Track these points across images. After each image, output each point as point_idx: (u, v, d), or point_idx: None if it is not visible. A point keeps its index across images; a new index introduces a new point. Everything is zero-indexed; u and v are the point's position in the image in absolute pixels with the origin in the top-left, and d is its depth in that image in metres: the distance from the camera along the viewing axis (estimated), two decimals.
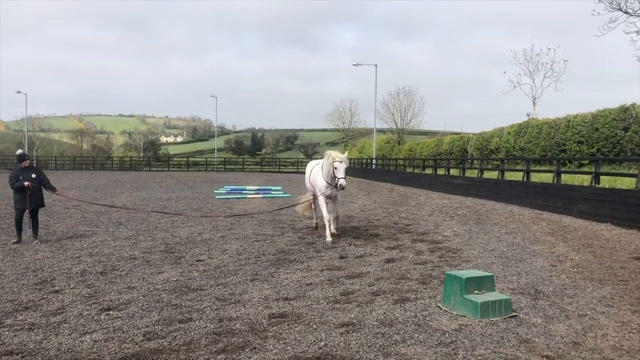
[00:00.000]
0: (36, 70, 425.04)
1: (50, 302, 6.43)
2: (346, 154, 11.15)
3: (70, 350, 4.83)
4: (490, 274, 6.44)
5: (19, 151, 11.42)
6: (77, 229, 12.48)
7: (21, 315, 5.90)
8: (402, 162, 40.00)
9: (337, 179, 10.47)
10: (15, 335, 5.21)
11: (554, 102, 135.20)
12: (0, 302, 6.43)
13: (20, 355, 4.71)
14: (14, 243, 10.46)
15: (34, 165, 11.72)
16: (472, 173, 26.50)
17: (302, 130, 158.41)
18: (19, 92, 61.90)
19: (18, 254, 9.44)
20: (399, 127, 65.84)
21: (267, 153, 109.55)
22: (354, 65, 47.83)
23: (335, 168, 10.53)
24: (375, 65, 46.65)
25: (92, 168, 61.48)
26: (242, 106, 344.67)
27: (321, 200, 11.08)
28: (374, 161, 46.44)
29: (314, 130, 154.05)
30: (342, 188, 10.53)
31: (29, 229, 10.91)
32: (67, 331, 5.36)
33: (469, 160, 32.58)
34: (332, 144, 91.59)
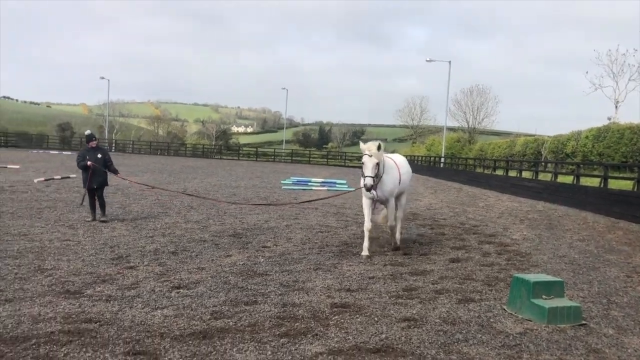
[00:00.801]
0: (119, 59, 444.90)
1: (125, 277, 6.78)
2: (380, 146, 8.57)
3: (142, 323, 5.09)
4: (560, 279, 6.24)
5: (87, 132, 11.84)
6: (151, 210, 13.04)
7: (99, 287, 6.26)
8: (472, 162, 39.08)
9: (362, 177, 8.48)
10: (94, 305, 5.55)
11: (638, 107, 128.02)
12: (81, 273, 6.84)
13: (98, 323, 5.01)
14: (89, 221, 11.00)
15: (102, 146, 12.11)
16: (545, 176, 25.58)
17: (369, 125, 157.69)
18: (102, 77, 65.12)
19: (97, 230, 9.99)
20: (470, 125, 64.41)
21: (333, 147, 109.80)
22: (427, 61, 47.29)
23: (363, 163, 8.54)
24: (449, 62, 45.90)
25: (167, 153, 63.81)
26: (310, 99, 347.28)
27: (364, 204, 9.03)
28: (442, 159, 45.67)
29: (381, 125, 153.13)
30: (368, 190, 8.42)
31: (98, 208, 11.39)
32: (140, 305, 5.65)
33: (543, 163, 31.44)
34: (400, 140, 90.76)
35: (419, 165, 44.48)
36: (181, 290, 6.28)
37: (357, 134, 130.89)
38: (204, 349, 4.52)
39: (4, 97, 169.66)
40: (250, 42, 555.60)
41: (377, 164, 8.41)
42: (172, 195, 16.41)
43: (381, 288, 6.74)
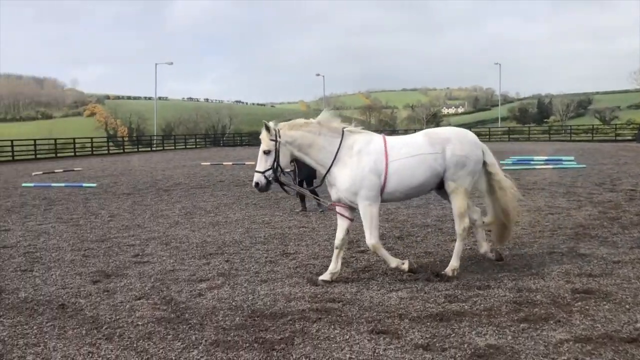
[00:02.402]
0: (330, 54, 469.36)
1: (358, 261, 7.22)
2: (268, 127, 6.08)
3: (380, 304, 5.39)
4: None
5: None
6: None
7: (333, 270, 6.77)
8: None
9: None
10: (335, 286, 6.03)
11: None
12: (319, 257, 7.48)
13: (341, 303, 5.45)
14: (299, 211, 11.72)
15: None
16: None
17: (596, 93, 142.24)
18: (317, 74, 69.61)
19: (327, 218, 10.76)
20: None
21: (555, 120, 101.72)
22: None
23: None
24: None
25: None
26: (526, 72, 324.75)
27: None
28: None
29: (612, 92, 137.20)
30: (260, 191, 6.45)
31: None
32: (375, 287, 5.98)
33: None
34: (637, 107, 79.97)
35: None
36: (411, 274, 6.47)
37: (583, 103, 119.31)
38: (443, 330, 4.63)
39: (236, 101, 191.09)
40: (456, 20, 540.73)
41: (270, 152, 6.09)
42: None
43: (629, 273, 6.12)
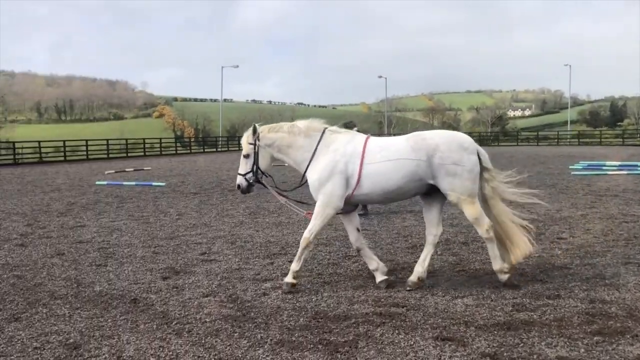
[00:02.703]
0: (392, 56, 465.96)
1: None
2: (256, 129, 6.28)
3: (445, 310, 5.31)
4: None
5: (355, 129, 12.63)
6: None
7: (400, 273, 6.73)
8: None
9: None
10: (398, 290, 5.99)
11: None
12: (382, 260, 7.42)
13: (405, 308, 5.41)
14: (360, 215, 11.68)
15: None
16: None
17: None
18: (380, 76, 69.27)
19: (389, 221, 10.70)
20: None
21: (630, 124, 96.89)
22: None
23: None
24: None
25: None
26: (598, 73, 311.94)
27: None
28: None
29: None
30: (242, 193, 6.50)
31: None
32: (440, 293, 5.90)
33: None
34: None
35: None
36: (477, 280, 6.34)
37: None
38: (510, 340, 4.51)
39: (298, 103, 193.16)
40: (525, 20, 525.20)
41: (249, 155, 6.26)
42: None
43: None
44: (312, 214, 6.13)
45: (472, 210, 5.92)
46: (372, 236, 9.15)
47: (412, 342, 4.52)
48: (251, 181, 6.30)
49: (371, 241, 8.72)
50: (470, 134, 69.87)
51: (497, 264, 6.02)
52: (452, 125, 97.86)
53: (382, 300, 5.68)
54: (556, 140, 59.76)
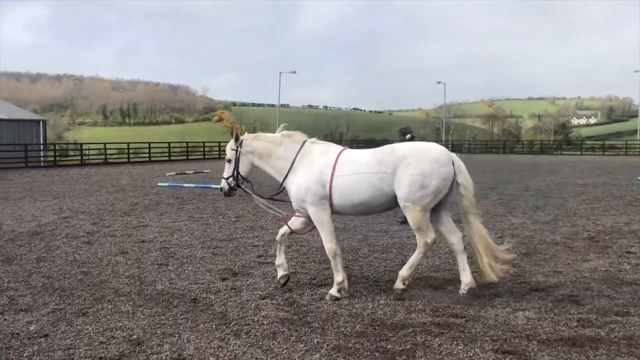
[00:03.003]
0: (453, 61, 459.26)
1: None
2: (237, 136, 6.61)
3: (506, 322, 5.16)
4: None
5: (407, 136, 12.45)
6: (495, 210, 13.09)
7: (458, 284, 6.57)
8: None
9: None
10: (457, 301, 5.87)
11: None
12: (440, 270, 7.34)
13: (464, 319, 5.29)
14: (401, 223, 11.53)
15: None
16: None
17: None
18: (438, 82, 68.33)
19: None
20: None
21: None
22: None
23: None
24: None
25: (502, 152, 63.08)
26: None
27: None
28: None
29: None
30: (225, 195, 6.87)
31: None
32: (500, 304, 5.74)
33: None
34: None
35: None
36: (539, 293, 6.14)
37: None
38: (576, 357, 4.34)
39: (354, 108, 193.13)
40: (591, 25, 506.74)
41: (230, 161, 6.58)
42: (514, 195, 16.17)
43: None
44: (292, 215, 6.47)
45: (415, 216, 5.84)
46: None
47: (471, 354, 4.42)
48: (232, 185, 6.59)
49: (429, 250, 8.59)
50: (531, 142, 68.00)
51: (404, 271, 6.08)
52: (512, 132, 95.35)
53: (441, 310, 5.58)
54: (624, 150, 57.19)
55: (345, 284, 6.11)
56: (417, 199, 5.75)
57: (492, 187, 18.33)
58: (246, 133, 6.82)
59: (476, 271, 6.18)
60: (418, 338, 4.79)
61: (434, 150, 5.96)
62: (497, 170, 28.00)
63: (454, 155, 6.04)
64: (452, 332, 4.93)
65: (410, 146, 6.10)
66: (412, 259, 6.09)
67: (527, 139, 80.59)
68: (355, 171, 5.94)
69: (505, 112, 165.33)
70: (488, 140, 73.57)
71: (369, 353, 4.47)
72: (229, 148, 6.62)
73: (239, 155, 6.52)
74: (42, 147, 39.99)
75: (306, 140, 6.46)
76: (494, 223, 11.15)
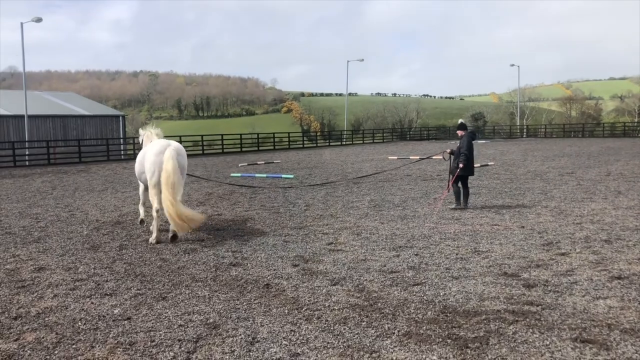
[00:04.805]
0: (526, 43, 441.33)
1: (559, 264, 6.73)
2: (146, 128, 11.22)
3: (585, 311, 4.98)
4: None
5: (460, 120, 11.95)
6: (574, 196, 12.55)
7: (534, 271, 6.40)
8: None
9: None
10: (533, 288, 5.70)
11: None
12: (514, 257, 7.13)
13: (540, 307, 5.13)
14: (452, 208, 11.20)
15: (470, 134, 11.61)
16: None
17: None
18: (512, 65, 65.81)
19: (522, 216, 10.19)
20: None
21: None
22: None
23: None
24: None
25: (581, 135, 60.13)
26: None
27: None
28: None
29: None
30: None
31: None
32: (579, 292, 5.53)
33: None
34: None
35: None
36: (622, 281, 5.86)
37: None
38: None
39: (424, 95, 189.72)
40: None
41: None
42: (595, 180, 15.43)
43: None
44: None
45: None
46: (503, 231, 8.79)
47: (547, 342, 4.29)
48: None
49: (502, 237, 8.39)
50: (612, 124, 64.38)
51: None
52: (591, 114, 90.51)
53: (515, 297, 5.44)
54: None
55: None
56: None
57: (570, 172, 17.56)
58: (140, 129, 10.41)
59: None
60: (491, 325, 4.70)
61: (154, 147, 9.48)
62: (575, 155, 26.76)
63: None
64: (528, 319, 4.80)
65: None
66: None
67: (609, 121, 76.31)
68: None
69: (584, 93, 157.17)
70: (566, 124, 70.16)
71: (440, 340, 4.44)
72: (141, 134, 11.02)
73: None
74: (122, 141, 41.90)
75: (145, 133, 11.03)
76: (572, 209, 10.70)
